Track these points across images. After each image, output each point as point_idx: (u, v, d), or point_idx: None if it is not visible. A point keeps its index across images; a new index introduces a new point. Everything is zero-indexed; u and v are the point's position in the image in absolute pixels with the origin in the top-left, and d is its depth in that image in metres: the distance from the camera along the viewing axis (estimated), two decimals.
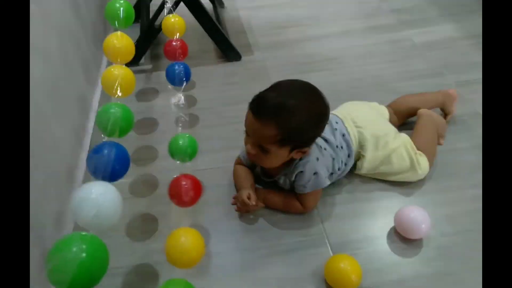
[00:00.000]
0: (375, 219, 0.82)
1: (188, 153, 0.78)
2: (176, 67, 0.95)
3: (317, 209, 0.82)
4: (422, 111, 0.94)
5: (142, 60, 1.28)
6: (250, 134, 0.71)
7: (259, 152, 0.70)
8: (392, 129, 0.88)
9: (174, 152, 0.79)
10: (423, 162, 0.85)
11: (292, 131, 0.67)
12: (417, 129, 0.92)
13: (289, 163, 0.76)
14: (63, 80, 0.84)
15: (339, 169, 0.82)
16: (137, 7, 1.39)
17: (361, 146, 0.84)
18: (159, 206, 0.85)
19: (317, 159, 0.76)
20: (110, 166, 0.56)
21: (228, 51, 1.25)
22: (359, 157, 0.85)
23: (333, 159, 0.80)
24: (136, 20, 1.35)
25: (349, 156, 0.83)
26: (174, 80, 0.95)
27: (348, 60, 1.24)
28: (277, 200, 0.81)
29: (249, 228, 0.81)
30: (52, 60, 0.80)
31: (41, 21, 0.76)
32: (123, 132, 0.68)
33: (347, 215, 0.82)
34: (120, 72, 0.71)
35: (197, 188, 0.70)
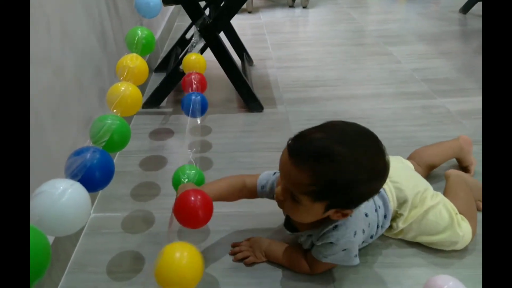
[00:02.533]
0: None
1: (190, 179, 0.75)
2: (193, 97, 0.96)
3: (331, 269, 0.75)
4: (450, 172, 0.88)
5: (164, 104, 1.32)
6: (282, 176, 0.62)
7: (288, 200, 0.62)
8: (427, 184, 0.81)
9: (179, 182, 0.75)
10: (465, 226, 0.77)
11: (330, 184, 0.57)
12: (450, 191, 0.84)
13: (321, 222, 0.67)
14: (72, 97, 0.87)
15: (372, 237, 0.75)
16: (168, 56, 1.50)
17: (400, 204, 0.76)
18: (150, 246, 0.80)
19: (355, 233, 0.67)
20: (87, 168, 0.53)
21: (250, 101, 1.27)
22: (395, 217, 0.78)
23: (369, 225, 0.72)
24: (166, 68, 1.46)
25: (385, 217, 0.75)
26: (189, 110, 0.95)
27: (377, 121, 1.23)
28: (281, 254, 0.73)
29: (242, 283, 0.72)
30: (65, 76, 0.83)
31: (60, 39, 0.81)
32: (115, 146, 0.65)
33: (365, 281, 0.74)
34: (126, 88, 0.72)
35: (207, 205, 0.64)
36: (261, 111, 1.28)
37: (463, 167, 0.97)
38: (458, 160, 0.97)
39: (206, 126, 1.22)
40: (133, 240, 0.82)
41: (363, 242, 0.73)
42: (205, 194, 0.65)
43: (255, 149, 1.09)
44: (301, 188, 0.59)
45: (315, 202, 0.60)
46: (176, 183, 0.76)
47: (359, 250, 0.73)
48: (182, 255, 0.55)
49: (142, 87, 1.23)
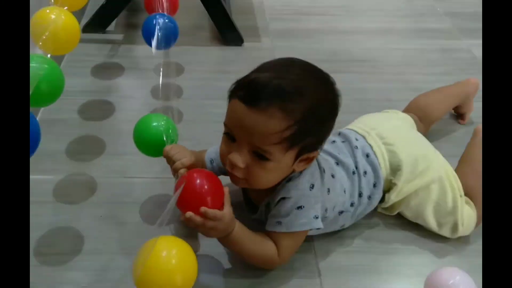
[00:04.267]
0: (396, 282, 0.74)
1: (170, 139, 0.71)
2: (160, 20, 0.91)
3: (315, 257, 0.75)
4: (479, 128, 0.86)
5: (112, 27, 1.24)
6: (239, 136, 0.62)
7: (252, 164, 0.62)
8: (431, 148, 0.82)
9: (146, 135, 0.72)
10: (467, 214, 0.76)
11: (305, 122, 0.61)
12: (471, 157, 0.82)
13: (280, 183, 0.68)
14: None
15: (352, 205, 0.74)
16: None
17: (393, 171, 0.77)
18: (92, 220, 0.78)
19: (312, 186, 0.68)
20: None
21: (226, 31, 1.21)
22: (389, 187, 0.77)
23: (344, 191, 0.73)
24: None
25: (374, 185, 0.76)
26: (153, 38, 0.90)
27: (384, 65, 1.19)
28: (245, 234, 0.67)
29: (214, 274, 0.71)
30: None
31: None
32: (42, 100, 0.63)
33: (357, 271, 0.74)
34: (58, 17, 0.68)
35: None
36: (240, 45, 1.22)
37: (459, 113, 1.02)
38: (456, 106, 1.02)
39: (169, 62, 1.17)
40: (70, 211, 0.79)
41: (342, 211, 0.73)
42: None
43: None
44: (273, 137, 0.60)
45: (288, 151, 0.62)
46: (142, 137, 0.74)
47: (347, 228, 0.76)
48: (170, 255, 0.55)
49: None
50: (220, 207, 0.62)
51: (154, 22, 0.91)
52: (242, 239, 0.66)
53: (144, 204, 0.79)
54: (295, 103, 0.60)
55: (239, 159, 0.62)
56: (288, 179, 0.67)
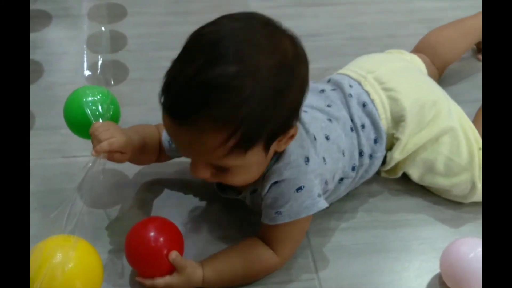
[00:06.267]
0: (408, 259, 0.76)
1: (107, 115, 0.72)
2: None
3: (308, 239, 0.76)
4: None
5: None
6: (185, 153, 0.64)
7: (217, 173, 0.64)
8: (442, 94, 0.83)
9: (76, 114, 0.72)
10: None
11: (252, 118, 0.57)
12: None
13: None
14: None
15: (353, 169, 0.75)
16: None
17: (396, 123, 0.78)
18: None
19: (307, 159, 0.67)
20: None
21: None
22: (391, 144, 0.78)
23: (343, 152, 0.73)
24: None
25: (375, 141, 0.77)
26: None
27: None
28: (229, 268, 0.70)
29: None
30: None
31: None
32: None
33: (359, 250, 0.76)
34: None
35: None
36: None
37: (480, 48, 1.04)
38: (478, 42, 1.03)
39: (111, 4, 1.15)
40: None
41: (342, 178, 0.75)
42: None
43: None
44: (217, 152, 0.58)
45: (248, 152, 0.60)
46: (73, 114, 0.74)
47: (343, 199, 0.78)
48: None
49: None
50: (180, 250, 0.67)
51: None
52: (232, 277, 0.69)
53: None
54: (230, 102, 0.56)
55: (201, 173, 0.63)
56: (275, 159, 0.67)
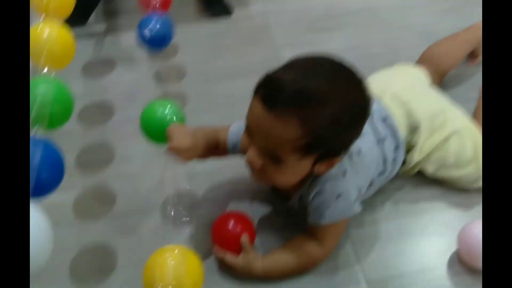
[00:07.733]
0: (429, 240, 0.82)
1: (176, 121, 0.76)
2: (157, 23, 0.93)
3: (347, 231, 0.81)
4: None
5: (92, 19, 1.25)
6: (255, 135, 0.65)
7: (267, 164, 0.65)
8: (446, 102, 0.87)
9: (151, 125, 0.75)
10: None
11: (324, 131, 0.61)
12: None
13: (306, 179, 0.73)
14: None
15: (381, 174, 0.80)
16: None
17: (412, 131, 0.82)
18: (117, 232, 0.82)
19: (344, 173, 0.72)
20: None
21: (212, 2, 1.24)
22: (409, 148, 0.84)
23: (373, 162, 0.78)
24: None
25: (396, 148, 0.81)
26: (147, 41, 0.92)
27: (383, 11, 1.23)
28: (283, 260, 0.75)
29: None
30: None
31: None
32: (55, 122, 0.65)
33: (389, 236, 0.81)
34: (51, 32, 0.69)
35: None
36: (229, 16, 1.25)
37: (471, 55, 1.07)
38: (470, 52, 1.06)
39: None
40: (94, 228, 0.82)
41: (370, 184, 0.79)
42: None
43: (229, 74, 1.07)
44: (288, 144, 0.62)
45: (303, 158, 0.64)
46: (149, 124, 0.77)
47: (373, 196, 0.81)
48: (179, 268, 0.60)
49: None
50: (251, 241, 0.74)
51: (150, 25, 0.94)
52: (285, 270, 0.74)
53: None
54: (316, 111, 0.60)
55: (255, 158, 0.65)
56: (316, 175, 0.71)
